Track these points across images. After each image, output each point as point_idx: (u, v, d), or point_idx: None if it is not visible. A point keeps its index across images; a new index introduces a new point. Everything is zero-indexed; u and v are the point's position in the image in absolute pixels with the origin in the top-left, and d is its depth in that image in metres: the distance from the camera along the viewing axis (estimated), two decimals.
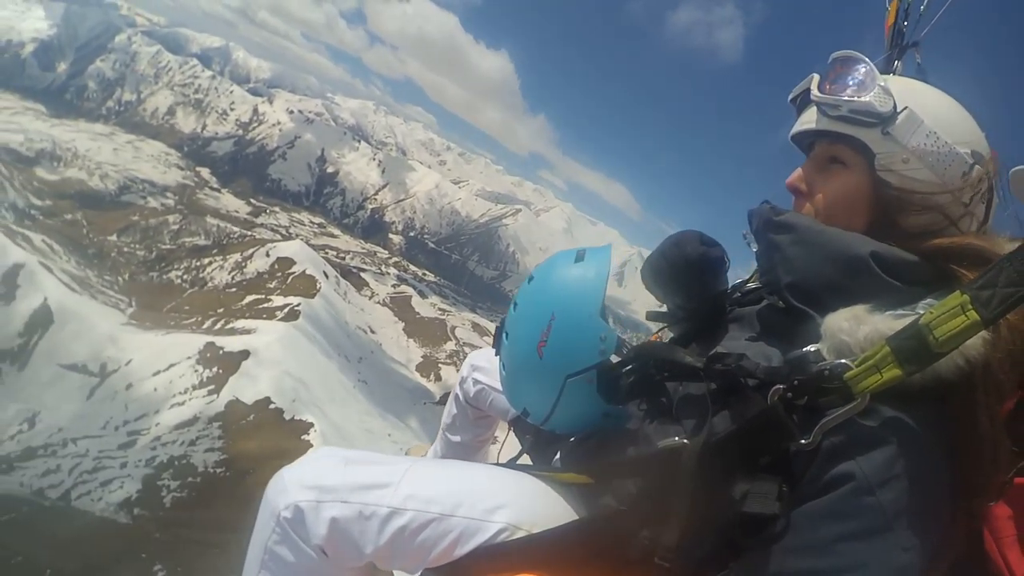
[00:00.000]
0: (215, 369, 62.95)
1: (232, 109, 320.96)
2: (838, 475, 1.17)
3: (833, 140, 1.49)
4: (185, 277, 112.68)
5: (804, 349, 1.29)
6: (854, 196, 1.45)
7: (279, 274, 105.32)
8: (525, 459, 2.22)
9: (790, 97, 1.66)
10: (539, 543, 1.47)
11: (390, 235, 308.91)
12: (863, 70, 1.45)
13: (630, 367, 1.66)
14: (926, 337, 1.08)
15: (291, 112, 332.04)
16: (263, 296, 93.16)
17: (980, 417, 1.16)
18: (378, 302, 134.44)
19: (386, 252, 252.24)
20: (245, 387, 59.18)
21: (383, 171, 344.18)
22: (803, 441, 1.18)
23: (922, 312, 1.18)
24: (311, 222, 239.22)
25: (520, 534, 1.50)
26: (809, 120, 1.54)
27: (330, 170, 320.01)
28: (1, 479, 49.63)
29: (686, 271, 1.70)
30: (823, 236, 1.39)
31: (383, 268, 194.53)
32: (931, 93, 1.47)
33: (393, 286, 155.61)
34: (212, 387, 60.25)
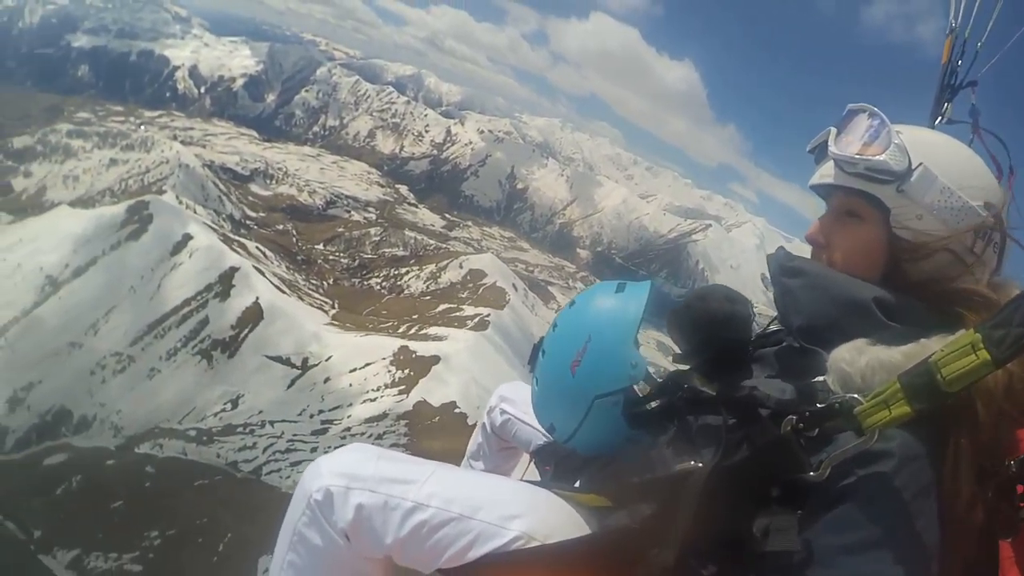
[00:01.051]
0: (407, 371, 63.60)
1: (427, 131, 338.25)
2: (843, 489, 1.22)
3: (849, 194, 1.55)
4: (384, 284, 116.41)
5: (812, 380, 1.38)
6: (869, 248, 1.51)
7: (471, 285, 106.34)
8: None
9: (808, 148, 1.74)
10: (551, 554, 1.53)
11: (578, 250, 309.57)
12: (878, 125, 1.50)
13: (654, 395, 1.73)
14: (935, 375, 1.10)
15: (481, 132, 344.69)
16: (455, 305, 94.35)
17: (961, 451, 1.22)
18: None
19: (573, 266, 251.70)
20: (433, 390, 59.45)
21: (571, 186, 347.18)
22: (813, 474, 1.22)
23: (925, 341, 1.28)
24: (502, 236, 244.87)
25: (534, 544, 1.55)
26: (827, 174, 1.60)
27: (520, 186, 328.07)
28: (201, 449, 53.31)
29: (708, 327, 1.74)
30: (829, 281, 1.48)
31: (570, 282, 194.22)
32: (945, 147, 1.52)
33: None
34: (403, 387, 60.81)
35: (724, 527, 1.32)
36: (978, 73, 2.27)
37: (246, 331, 69.96)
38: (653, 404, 1.73)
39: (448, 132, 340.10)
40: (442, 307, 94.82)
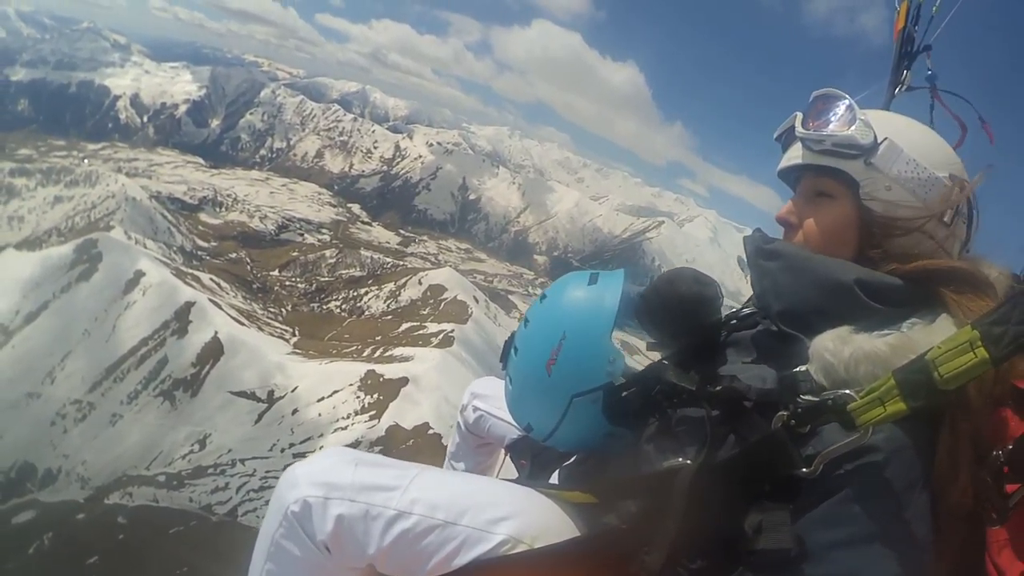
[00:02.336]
0: (376, 395, 62.71)
1: (375, 147, 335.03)
2: (833, 482, 1.20)
3: (818, 173, 1.56)
4: (344, 307, 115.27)
5: (794, 370, 1.36)
6: (842, 225, 1.52)
7: (432, 300, 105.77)
8: None
9: (775, 135, 1.72)
10: (539, 557, 1.50)
11: (535, 256, 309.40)
12: (844, 105, 1.54)
13: (633, 390, 1.67)
14: (931, 373, 1.09)
15: (431, 145, 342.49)
16: (418, 323, 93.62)
17: (959, 437, 1.21)
18: None
19: (532, 273, 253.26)
20: (405, 412, 58.74)
21: (523, 194, 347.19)
22: (805, 470, 1.21)
23: (905, 331, 1.29)
24: (458, 248, 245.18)
25: (522, 547, 1.52)
26: (795, 156, 1.61)
27: (472, 197, 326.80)
28: (172, 495, 52.12)
29: (679, 309, 1.72)
30: (809, 263, 1.46)
31: (530, 289, 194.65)
32: (908, 123, 1.57)
33: None
34: (373, 412, 59.93)
35: (714, 525, 1.30)
36: (932, 38, 2.32)
37: (207, 367, 68.32)
38: (633, 400, 1.66)
39: (397, 147, 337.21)
40: (405, 326, 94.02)
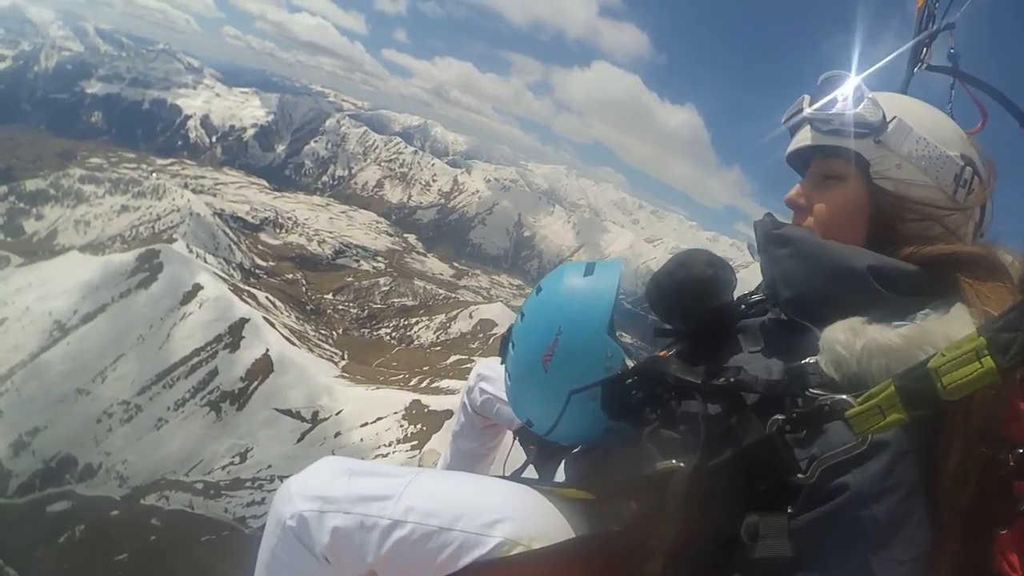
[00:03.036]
0: (419, 426, 62.33)
1: (434, 180, 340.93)
2: (833, 487, 1.17)
3: (828, 155, 1.51)
4: (393, 335, 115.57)
5: (803, 362, 1.31)
6: (853, 208, 1.47)
7: (481, 335, 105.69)
8: (530, 468, 2.24)
9: (783, 120, 1.67)
10: (536, 559, 1.48)
11: None
12: (852, 86, 1.50)
13: (634, 383, 1.62)
14: (934, 383, 1.04)
15: (488, 181, 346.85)
16: (466, 356, 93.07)
17: (964, 440, 1.17)
18: None
19: None
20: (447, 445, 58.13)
21: (578, 233, 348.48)
22: (800, 476, 1.18)
23: (920, 321, 1.23)
24: (510, 284, 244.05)
25: (519, 549, 1.51)
26: (803, 138, 1.56)
27: (527, 234, 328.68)
28: (208, 503, 52.69)
29: (692, 293, 1.68)
30: (820, 249, 1.41)
31: None
32: (916, 103, 1.53)
33: None
34: (416, 442, 59.25)
35: (710, 529, 1.29)
36: (955, 15, 2.16)
37: (255, 383, 68.97)
38: (633, 395, 1.62)
39: (455, 181, 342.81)
40: (453, 358, 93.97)
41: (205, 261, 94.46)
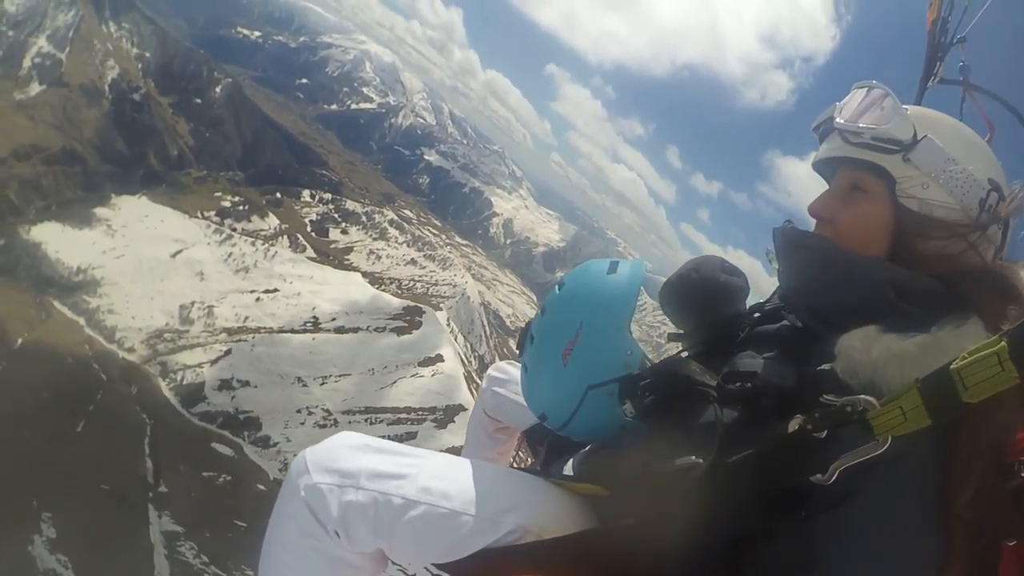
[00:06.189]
0: None
1: None
2: (848, 490, 1.15)
3: (855, 167, 1.50)
4: None
5: (818, 368, 1.29)
6: (876, 222, 1.45)
7: None
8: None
9: (813, 125, 1.66)
10: (546, 549, 1.47)
11: None
12: (884, 99, 1.48)
13: (650, 383, 1.61)
14: (956, 385, 1.02)
15: None
16: None
17: (978, 448, 1.15)
18: None
19: None
20: None
21: None
22: (819, 476, 1.15)
23: (935, 333, 1.21)
24: None
25: (529, 538, 1.49)
26: (832, 148, 1.55)
27: None
28: None
29: (703, 298, 1.72)
30: (841, 258, 1.42)
31: None
32: (950, 123, 1.50)
33: None
34: None
35: (723, 527, 1.27)
36: (966, 29, 2.24)
37: None
38: (650, 393, 1.61)
39: None
40: None
41: (456, 339, 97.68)
